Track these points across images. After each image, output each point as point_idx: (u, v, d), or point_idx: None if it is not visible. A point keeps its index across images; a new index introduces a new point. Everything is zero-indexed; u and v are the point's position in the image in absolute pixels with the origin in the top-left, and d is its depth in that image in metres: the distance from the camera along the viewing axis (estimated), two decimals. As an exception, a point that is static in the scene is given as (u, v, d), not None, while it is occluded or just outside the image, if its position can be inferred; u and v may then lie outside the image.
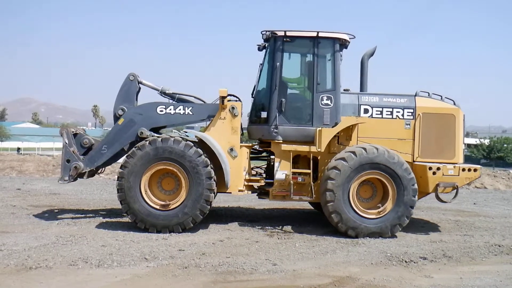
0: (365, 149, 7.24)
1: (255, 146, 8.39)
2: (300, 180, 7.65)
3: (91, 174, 8.09)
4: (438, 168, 7.43)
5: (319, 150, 7.50)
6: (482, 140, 53.29)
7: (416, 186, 7.25)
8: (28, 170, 16.48)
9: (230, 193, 7.73)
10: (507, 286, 5.19)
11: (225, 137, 7.60)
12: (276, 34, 7.71)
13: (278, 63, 7.66)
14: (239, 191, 7.70)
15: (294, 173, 7.62)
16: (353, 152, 7.23)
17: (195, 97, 8.07)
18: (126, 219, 8.08)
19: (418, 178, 7.38)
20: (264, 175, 8.34)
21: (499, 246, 6.93)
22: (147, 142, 7.16)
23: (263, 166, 8.80)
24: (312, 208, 10.03)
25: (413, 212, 7.38)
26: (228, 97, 7.69)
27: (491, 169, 25.17)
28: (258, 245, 6.59)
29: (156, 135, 7.41)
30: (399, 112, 7.80)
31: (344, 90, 7.96)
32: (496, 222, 9.14)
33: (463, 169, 7.52)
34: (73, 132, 7.79)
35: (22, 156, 20.96)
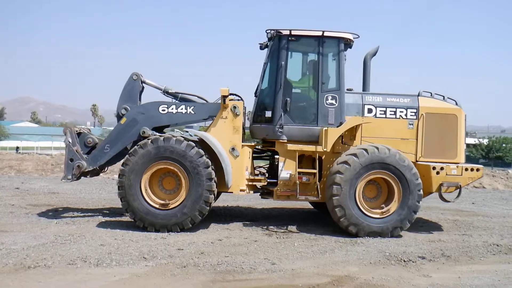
0: (377, 148, 7.26)
1: (257, 146, 8.38)
2: (304, 180, 7.63)
3: (95, 173, 8.11)
4: (442, 168, 7.47)
5: (325, 149, 7.49)
6: (480, 140, 53.30)
7: (421, 192, 7.28)
8: (26, 169, 16.47)
9: (232, 192, 7.72)
10: (506, 285, 5.20)
11: (226, 136, 7.59)
12: (281, 33, 7.70)
13: (283, 62, 7.65)
14: (241, 190, 7.67)
15: (299, 173, 7.60)
16: (366, 150, 7.24)
17: (198, 97, 8.06)
18: (125, 218, 8.08)
19: (421, 177, 7.39)
20: (266, 175, 8.31)
21: (498, 245, 6.94)
22: (149, 140, 7.15)
23: (265, 166, 8.79)
24: (311, 208, 10.04)
25: (415, 217, 7.38)
26: (230, 96, 7.69)
27: (489, 169, 25.20)
28: (256, 245, 6.59)
29: (158, 134, 7.41)
30: (402, 112, 7.83)
31: (347, 89, 7.97)
32: (494, 222, 9.16)
33: (466, 169, 7.58)
34: (77, 131, 7.81)
35: (21, 155, 20.93)
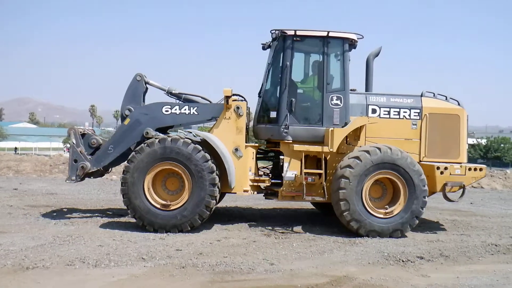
0: (390, 148, 7.28)
1: (261, 146, 8.36)
2: (310, 181, 7.62)
3: (99, 174, 8.11)
4: (446, 168, 7.51)
5: (331, 150, 7.50)
6: (479, 140, 53.39)
7: (426, 199, 7.31)
8: (25, 170, 16.45)
9: (235, 193, 7.71)
10: (504, 285, 5.21)
11: (230, 137, 7.57)
12: (286, 33, 7.70)
13: (287, 63, 7.66)
14: (244, 191, 7.65)
15: (304, 174, 7.59)
16: (379, 148, 7.26)
17: (201, 97, 8.05)
18: (123, 219, 8.08)
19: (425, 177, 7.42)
20: (270, 175, 8.28)
21: (496, 245, 6.96)
22: (157, 140, 7.15)
23: (269, 166, 8.77)
24: (310, 208, 10.04)
25: (416, 222, 7.39)
26: (233, 97, 7.69)
27: (488, 169, 25.21)
28: (255, 245, 6.59)
29: (161, 135, 7.40)
30: (406, 112, 7.85)
31: (351, 90, 7.97)
32: (492, 222, 9.18)
33: (469, 169, 7.63)
34: (81, 132, 7.81)
35: (19, 156, 20.88)
